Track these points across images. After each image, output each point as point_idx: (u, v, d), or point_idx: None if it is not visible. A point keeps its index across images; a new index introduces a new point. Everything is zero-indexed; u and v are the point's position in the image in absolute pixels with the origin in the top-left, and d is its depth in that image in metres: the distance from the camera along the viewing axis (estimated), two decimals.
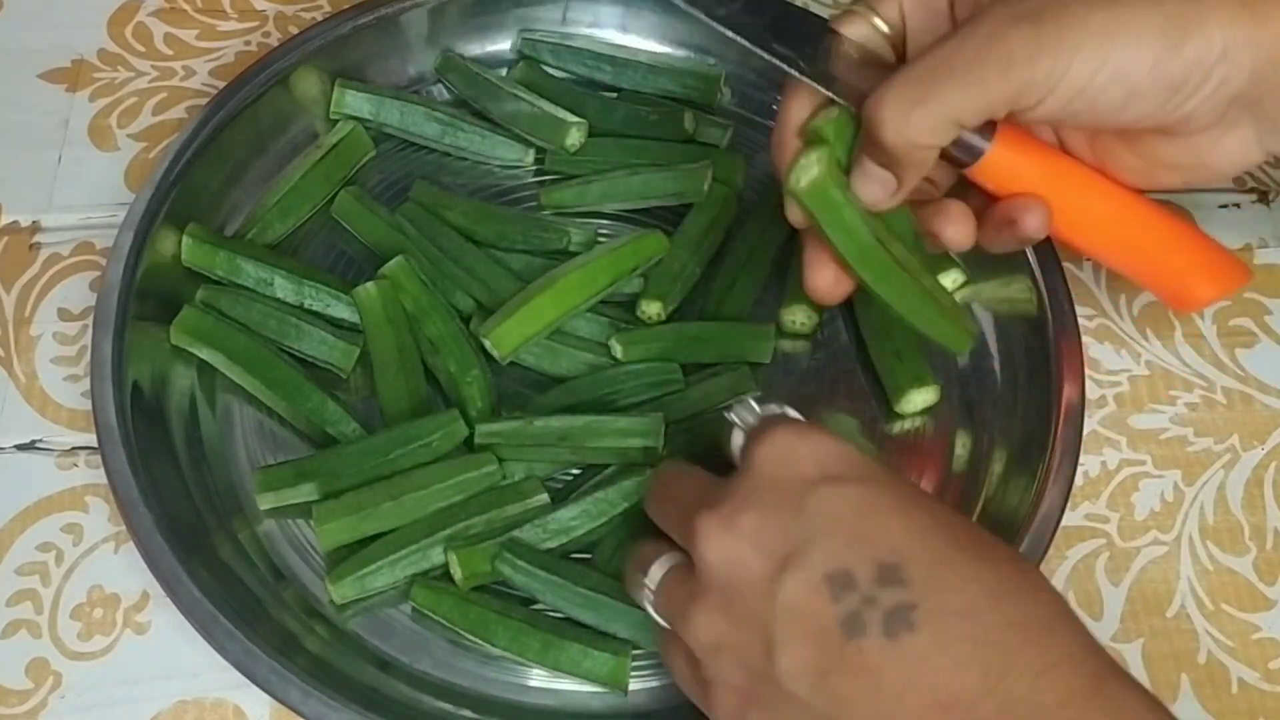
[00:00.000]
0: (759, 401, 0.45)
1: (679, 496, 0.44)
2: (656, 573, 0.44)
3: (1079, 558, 0.56)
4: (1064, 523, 0.56)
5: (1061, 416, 0.55)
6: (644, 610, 0.45)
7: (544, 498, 0.54)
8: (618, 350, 0.58)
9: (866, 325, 0.60)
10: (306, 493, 0.54)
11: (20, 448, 0.57)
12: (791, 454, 0.41)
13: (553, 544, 0.53)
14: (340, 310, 0.59)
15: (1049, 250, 0.59)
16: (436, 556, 0.53)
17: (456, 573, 0.52)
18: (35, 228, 0.63)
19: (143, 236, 0.57)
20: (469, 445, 0.56)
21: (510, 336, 0.57)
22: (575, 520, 0.53)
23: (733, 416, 0.45)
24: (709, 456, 0.47)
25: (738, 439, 0.44)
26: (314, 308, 0.59)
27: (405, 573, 0.53)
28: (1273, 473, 0.59)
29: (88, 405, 0.54)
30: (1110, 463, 0.59)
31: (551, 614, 0.53)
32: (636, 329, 0.60)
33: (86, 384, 0.54)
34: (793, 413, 0.44)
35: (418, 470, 0.54)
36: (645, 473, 0.54)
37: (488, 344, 0.57)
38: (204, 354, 0.57)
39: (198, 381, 0.58)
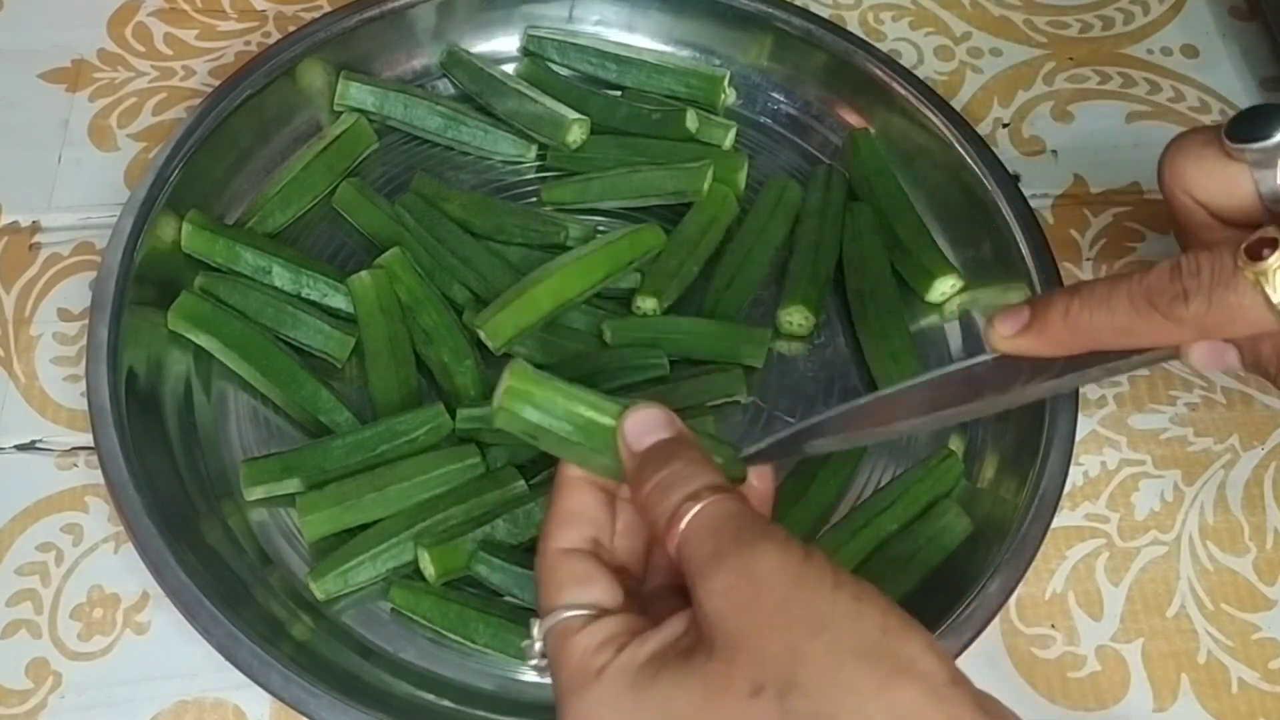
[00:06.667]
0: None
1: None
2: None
3: (1079, 558, 0.56)
4: (1064, 523, 0.57)
5: (1053, 422, 0.55)
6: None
7: (522, 485, 0.54)
8: (608, 335, 0.59)
9: (863, 328, 0.60)
10: (293, 486, 0.54)
11: (20, 448, 0.57)
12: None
13: (524, 537, 0.53)
14: (337, 300, 0.60)
15: (1047, 257, 0.59)
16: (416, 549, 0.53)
17: (428, 570, 0.52)
18: (35, 228, 0.63)
19: (143, 222, 0.57)
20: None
21: (505, 327, 0.57)
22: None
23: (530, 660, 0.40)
24: None
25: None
26: (311, 297, 0.59)
27: (386, 567, 0.53)
28: (1273, 473, 0.59)
29: (87, 405, 0.54)
30: (1110, 463, 0.59)
31: (530, 608, 0.53)
32: (631, 318, 0.60)
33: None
34: (554, 620, 0.39)
35: (402, 462, 0.55)
36: None
37: (483, 335, 0.57)
38: (200, 340, 0.58)
39: (193, 367, 0.58)
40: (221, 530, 0.54)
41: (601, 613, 0.39)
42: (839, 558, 0.54)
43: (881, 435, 0.46)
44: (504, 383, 0.41)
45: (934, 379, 0.44)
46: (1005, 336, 0.43)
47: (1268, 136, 0.41)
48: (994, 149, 0.63)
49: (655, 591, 0.42)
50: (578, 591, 0.39)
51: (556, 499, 0.42)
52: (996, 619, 0.51)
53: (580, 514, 0.41)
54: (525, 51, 0.69)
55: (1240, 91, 0.72)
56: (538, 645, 0.39)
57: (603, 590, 0.39)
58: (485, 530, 0.53)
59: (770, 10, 0.67)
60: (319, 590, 0.52)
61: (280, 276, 0.59)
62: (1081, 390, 0.57)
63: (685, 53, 0.70)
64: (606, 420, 0.41)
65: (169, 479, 0.54)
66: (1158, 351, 0.43)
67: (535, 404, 0.41)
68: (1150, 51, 0.74)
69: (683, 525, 0.37)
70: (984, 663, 0.53)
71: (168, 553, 0.49)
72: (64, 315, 0.60)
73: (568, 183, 0.65)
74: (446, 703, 0.50)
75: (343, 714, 0.47)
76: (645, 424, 0.40)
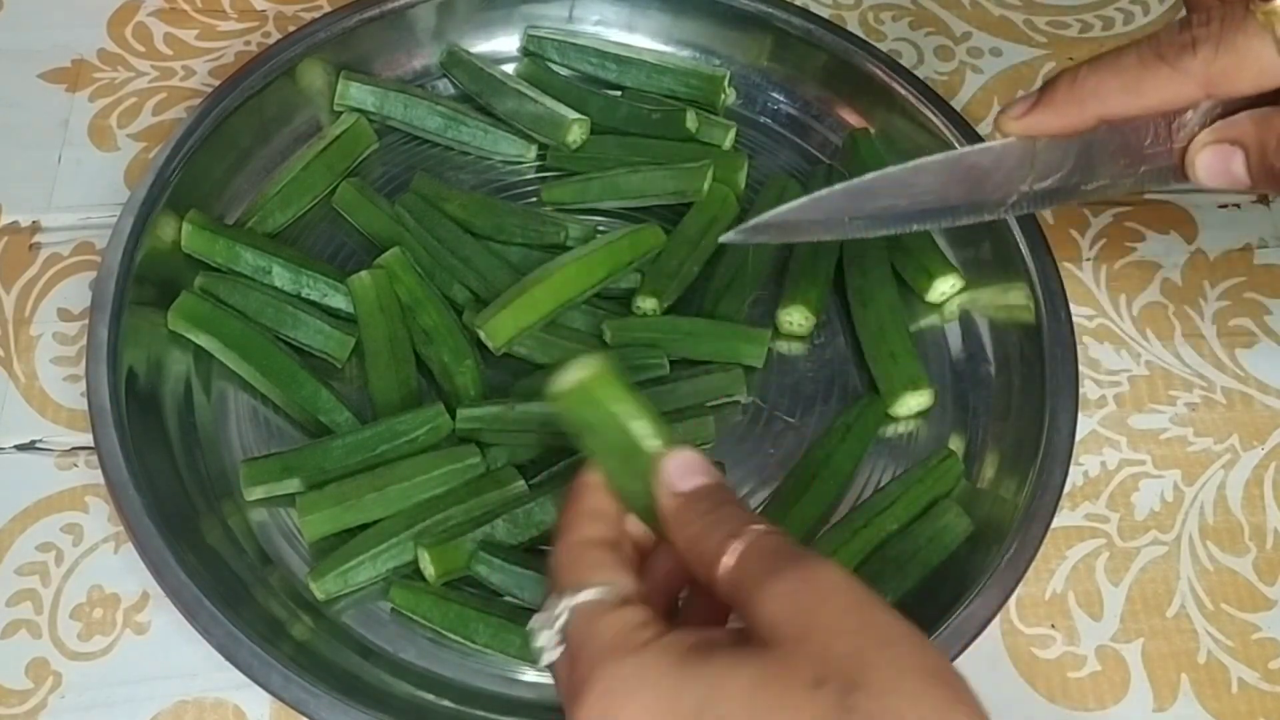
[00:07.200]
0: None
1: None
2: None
3: (1079, 558, 0.56)
4: (1064, 523, 0.57)
5: (1053, 422, 0.55)
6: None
7: (522, 485, 0.54)
8: (608, 335, 0.59)
9: (863, 328, 0.60)
10: (293, 486, 0.54)
11: (20, 448, 0.57)
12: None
13: (524, 537, 0.54)
14: (337, 300, 0.60)
15: (1047, 257, 0.59)
16: (416, 549, 0.53)
17: (428, 570, 0.52)
18: (35, 228, 0.63)
19: (143, 222, 0.57)
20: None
21: (505, 328, 0.57)
22: (546, 514, 0.54)
23: (537, 641, 0.38)
24: None
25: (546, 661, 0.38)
26: (311, 297, 0.60)
27: (387, 566, 0.53)
28: (1273, 473, 0.59)
29: (87, 405, 0.54)
30: (1110, 463, 0.59)
31: (530, 608, 0.53)
32: (631, 318, 0.60)
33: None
34: (588, 596, 0.37)
35: (402, 461, 0.55)
36: None
37: (482, 335, 0.57)
38: (201, 340, 0.58)
39: (193, 367, 0.58)
40: (221, 530, 0.54)
41: (632, 600, 0.37)
42: (839, 558, 0.54)
43: (880, 226, 0.46)
44: (578, 371, 0.39)
45: (941, 161, 0.45)
46: (1015, 117, 0.43)
47: None
48: None
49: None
50: (608, 575, 0.38)
51: (578, 498, 0.40)
52: (996, 619, 0.51)
53: (602, 513, 0.40)
54: (525, 51, 0.70)
55: None
56: (560, 620, 0.37)
57: (630, 581, 0.38)
58: (485, 530, 0.53)
59: (770, 10, 0.67)
60: (319, 590, 0.52)
61: (280, 276, 0.59)
62: (1081, 390, 0.57)
63: (685, 53, 0.70)
64: (648, 446, 0.40)
65: (169, 479, 0.54)
66: (1164, 167, 0.43)
67: (596, 406, 0.40)
68: None
69: (733, 555, 0.36)
70: (984, 663, 0.53)
71: (168, 553, 0.49)
72: (64, 315, 0.60)
73: (568, 183, 0.65)
74: (446, 703, 0.50)
75: (343, 714, 0.47)
76: (689, 466, 0.39)
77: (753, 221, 0.47)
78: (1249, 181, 0.44)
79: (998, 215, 0.47)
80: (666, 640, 0.35)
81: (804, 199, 0.45)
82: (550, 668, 0.38)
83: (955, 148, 0.62)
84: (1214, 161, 0.43)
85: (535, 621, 0.38)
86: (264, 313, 0.58)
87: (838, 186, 0.45)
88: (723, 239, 0.48)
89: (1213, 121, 0.44)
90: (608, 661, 0.35)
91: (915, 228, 0.47)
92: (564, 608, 0.37)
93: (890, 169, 0.45)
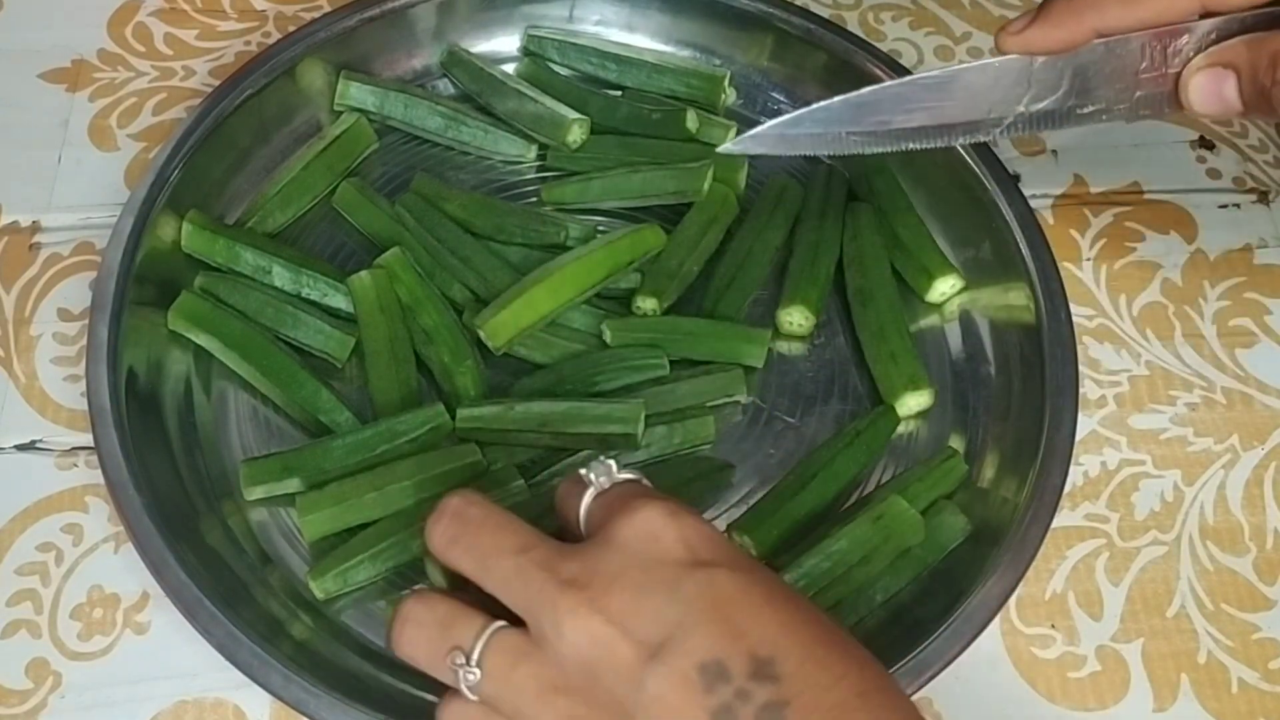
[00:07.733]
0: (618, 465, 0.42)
1: (495, 547, 0.40)
2: (479, 647, 0.38)
3: (1079, 558, 0.56)
4: (1064, 523, 0.57)
5: (1053, 422, 0.55)
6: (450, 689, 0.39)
7: (521, 485, 0.54)
8: (608, 335, 0.59)
9: (863, 328, 0.60)
10: (293, 486, 0.54)
11: (20, 448, 0.57)
12: (661, 533, 0.38)
13: None
14: (337, 300, 0.60)
15: (1047, 257, 0.59)
16: (417, 548, 0.53)
17: (433, 572, 0.52)
18: (35, 228, 0.63)
19: (143, 222, 0.57)
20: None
21: (505, 328, 0.57)
22: (542, 516, 0.53)
23: (588, 474, 0.41)
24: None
25: (588, 499, 0.41)
26: (311, 297, 0.60)
27: (386, 565, 0.53)
28: (1273, 473, 0.59)
29: (87, 405, 0.54)
30: (1110, 463, 0.59)
31: None
32: (631, 318, 0.60)
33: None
34: (646, 483, 0.41)
35: (402, 461, 0.54)
36: None
37: (483, 335, 0.57)
38: (201, 340, 0.58)
39: (194, 367, 0.58)
40: (221, 530, 0.54)
41: None
42: None
43: (877, 143, 0.48)
44: None
45: (939, 77, 0.46)
46: (1014, 33, 0.45)
47: None
48: (994, 149, 0.63)
49: None
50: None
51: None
52: (996, 619, 0.51)
53: None
54: (525, 51, 0.70)
55: None
56: (621, 476, 0.41)
57: None
58: None
59: (770, 10, 0.67)
60: (319, 590, 0.52)
61: (280, 276, 0.59)
62: (1081, 390, 0.57)
63: (685, 53, 0.70)
64: None
65: (169, 479, 0.54)
66: (1158, 93, 0.45)
67: None
68: None
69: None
70: (984, 663, 0.53)
71: (168, 553, 0.49)
72: (64, 315, 0.60)
73: (568, 183, 0.65)
74: None
75: (343, 714, 0.47)
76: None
77: (752, 132, 0.48)
78: (1240, 107, 0.45)
79: (993, 136, 0.49)
80: None
81: (802, 110, 0.47)
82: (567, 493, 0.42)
83: (955, 148, 0.63)
84: (1207, 85, 0.44)
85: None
86: (264, 313, 0.58)
87: (836, 98, 0.47)
88: (720, 149, 0.51)
89: (1207, 48, 0.45)
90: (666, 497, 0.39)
91: (911, 146, 0.48)
92: (623, 476, 0.41)
93: (888, 83, 0.46)
